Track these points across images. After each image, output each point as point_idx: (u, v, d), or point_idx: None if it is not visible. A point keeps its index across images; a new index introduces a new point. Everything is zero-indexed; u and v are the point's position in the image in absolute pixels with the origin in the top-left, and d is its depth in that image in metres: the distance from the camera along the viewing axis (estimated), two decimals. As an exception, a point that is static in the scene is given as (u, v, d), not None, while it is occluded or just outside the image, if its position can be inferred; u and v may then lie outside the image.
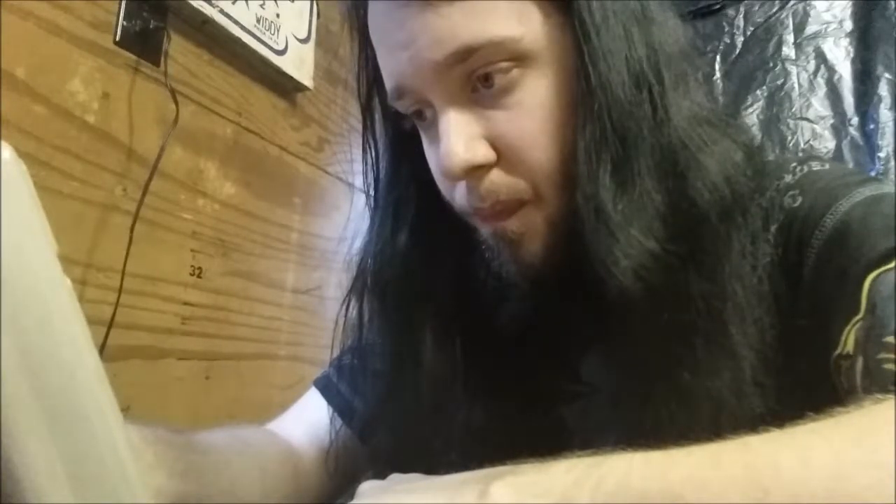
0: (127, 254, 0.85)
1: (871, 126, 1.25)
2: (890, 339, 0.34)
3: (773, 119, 1.35)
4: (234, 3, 1.03)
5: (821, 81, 1.32)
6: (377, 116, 0.52)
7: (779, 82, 1.36)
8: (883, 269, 0.36)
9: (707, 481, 0.26)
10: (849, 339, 0.36)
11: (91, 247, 0.82)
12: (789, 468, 0.25)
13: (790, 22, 1.38)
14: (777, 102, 1.35)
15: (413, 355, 0.51)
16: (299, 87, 1.20)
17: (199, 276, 0.98)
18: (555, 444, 0.31)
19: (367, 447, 0.57)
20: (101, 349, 0.78)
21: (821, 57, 1.33)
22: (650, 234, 0.39)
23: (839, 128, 1.29)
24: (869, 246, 0.37)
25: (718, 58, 1.44)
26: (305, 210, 1.23)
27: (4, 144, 0.25)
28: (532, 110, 0.42)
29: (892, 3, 1.26)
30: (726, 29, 1.44)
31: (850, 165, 1.22)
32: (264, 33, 1.09)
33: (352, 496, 0.34)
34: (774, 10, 1.40)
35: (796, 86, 1.34)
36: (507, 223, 0.44)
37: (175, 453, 0.44)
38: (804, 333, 0.40)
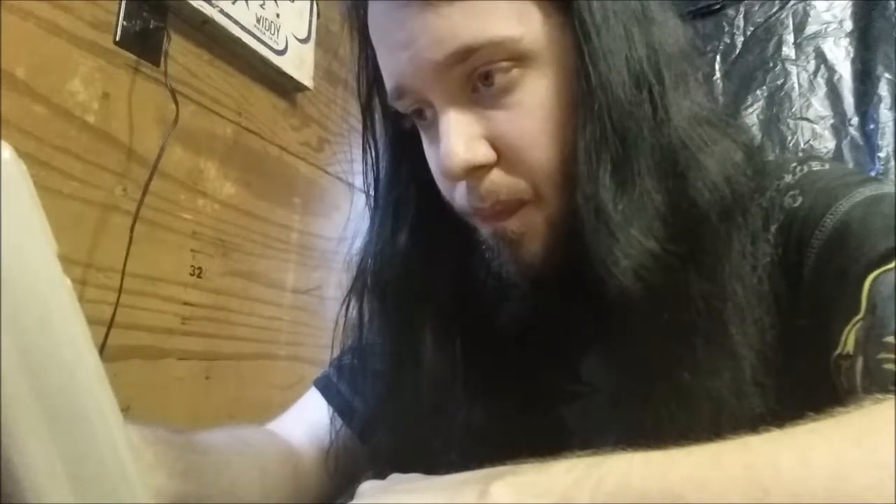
0: (127, 254, 0.85)
1: (871, 126, 1.25)
2: (890, 339, 0.34)
3: (773, 119, 1.35)
4: (234, 3, 1.03)
5: (821, 81, 1.32)
6: (377, 116, 0.52)
7: (779, 82, 1.36)
8: (883, 269, 0.36)
9: (707, 481, 0.26)
10: (849, 339, 0.36)
11: (91, 247, 0.82)
12: (789, 468, 0.25)
13: (790, 22, 1.38)
14: (777, 102, 1.35)
15: (413, 355, 0.51)
16: (299, 87, 1.20)
17: (199, 276, 0.98)
18: (555, 444, 0.31)
19: (367, 447, 0.57)
20: (101, 349, 0.78)
21: (821, 57, 1.33)
22: (650, 234, 0.39)
23: (839, 128, 1.29)
24: (869, 246, 0.37)
25: (718, 58, 1.44)
26: (305, 210, 1.23)
27: (4, 144, 0.25)
28: (532, 110, 0.42)
29: (892, 3, 1.26)
30: (726, 29, 1.44)
31: (850, 165, 1.22)
32: (264, 33, 1.09)
33: (352, 496, 0.34)
34: (774, 10, 1.40)
35: (796, 86, 1.34)
36: (507, 223, 0.44)
37: (175, 453, 0.44)
38: (804, 333, 0.40)
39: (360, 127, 0.53)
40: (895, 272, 0.36)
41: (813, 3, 1.36)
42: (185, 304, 0.95)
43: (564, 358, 0.50)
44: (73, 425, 0.26)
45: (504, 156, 0.43)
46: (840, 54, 1.31)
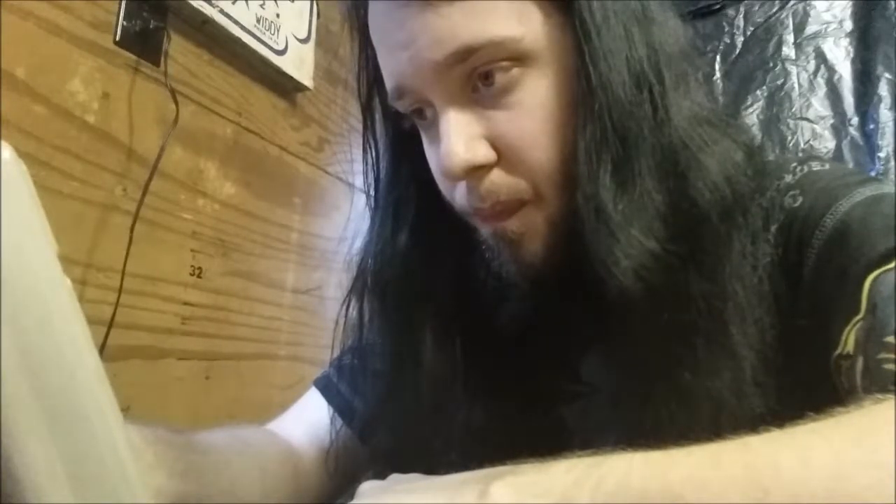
0: (127, 254, 0.85)
1: (871, 126, 1.25)
2: (890, 339, 0.34)
3: (773, 119, 1.35)
4: (234, 3, 1.03)
5: (821, 81, 1.32)
6: (377, 116, 0.52)
7: (779, 82, 1.36)
8: (883, 269, 0.36)
9: (707, 481, 0.26)
10: (849, 339, 0.36)
11: (91, 247, 0.82)
12: (789, 468, 0.25)
13: (790, 22, 1.38)
14: (777, 102, 1.35)
15: (413, 355, 0.51)
16: (299, 87, 1.20)
17: (199, 276, 0.98)
18: (555, 444, 0.31)
19: (367, 447, 0.57)
20: (101, 349, 0.78)
21: (821, 57, 1.33)
22: (650, 234, 0.39)
23: (839, 128, 1.29)
24: (869, 246, 0.37)
25: (718, 58, 1.44)
26: (305, 210, 1.23)
27: (4, 144, 0.25)
28: (532, 110, 0.42)
29: (892, 3, 1.26)
30: (726, 29, 1.44)
31: (850, 165, 1.22)
32: (264, 33, 1.09)
33: (352, 496, 0.34)
34: (774, 10, 1.40)
35: (796, 86, 1.34)
36: (507, 223, 0.44)
37: (175, 453, 0.44)
38: (804, 333, 0.40)
39: (360, 127, 0.53)
40: (895, 272, 0.36)
41: (813, 3, 1.36)
42: (185, 304, 0.95)
43: (564, 358, 0.50)
44: (73, 425, 0.26)
45: (504, 156, 0.43)
46: (840, 54, 1.31)
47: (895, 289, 0.35)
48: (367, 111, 0.53)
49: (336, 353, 0.61)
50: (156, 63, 0.92)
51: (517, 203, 0.43)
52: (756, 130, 1.33)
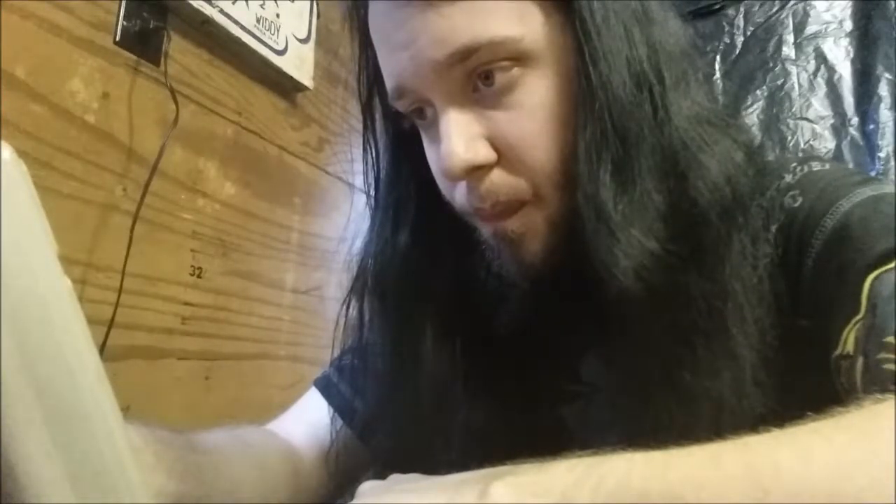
0: (127, 254, 0.85)
1: (871, 126, 1.25)
2: (890, 339, 0.34)
3: (773, 119, 1.35)
4: (234, 3, 1.03)
5: (821, 81, 1.32)
6: (377, 116, 0.52)
7: (779, 82, 1.36)
8: (883, 269, 0.36)
9: (707, 481, 0.26)
10: (849, 340, 0.36)
11: (91, 247, 0.82)
12: (789, 468, 0.25)
13: (790, 22, 1.38)
14: (777, 102, 1.35)
15: (413, 355, 0.51)
16: (299, 87, 1.20)
17: (199, 276, 0.98)
18: (555, 444, 0.31)
19: (367, 447, 0.57)
20: (101, 349, 0.78)
21: (821, 57, 1.33)
22: (651, 235, 0.39)
23: (839, 128, 1.29)
24: (869, 246, 0.37)
25: (718, 58, 1.44)
26: (305, 210, 1.23)
27: (4, 144, 0.25)
28: (533, 110, 0.42)
29: (893, 3, 1.26)
30: (726, 29, 1.44)
31: (850, 165, 1.22)
32: (264, 33, 1.09)
33: (352, 496, 0.34)
34: (774, 10, 1.40)
35: (796, 86, 1.34)
36: (507, 223, 0.44)
37: (175, 453, 0.44)
38: (804, 333, 0.40)
39: (360, 127, 0.53)
40: (895, 272, 0.36)
41: (813, 3, 1.36)
42: (185, 304, 0.95)
43: (564, 358, 0.50)
44: (73, 425, 0.26)
45: (504, 156, 0.43)
46: (840, 54, 1.31)
47: (895, 289, 0.35)
48: (367, 111, 0.53)
49: (336, 353, 0.61)
50: (156, 63, 0.92)
51: (517, 203, 0.43)
52: (756, 130, 1.33)
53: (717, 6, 1.45)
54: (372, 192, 0.54)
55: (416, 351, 0.51)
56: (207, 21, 0.98)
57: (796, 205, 0.43)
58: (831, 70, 1.32)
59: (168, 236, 0.93)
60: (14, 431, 0.24)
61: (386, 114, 0.52)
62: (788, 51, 1.37)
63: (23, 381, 0.25)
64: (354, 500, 0.34)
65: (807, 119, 1.32)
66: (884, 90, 1.24)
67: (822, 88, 1.32)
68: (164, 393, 0.91)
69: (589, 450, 0.29)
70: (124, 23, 0.88)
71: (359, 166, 0.55)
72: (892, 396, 0.28)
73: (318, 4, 1.24)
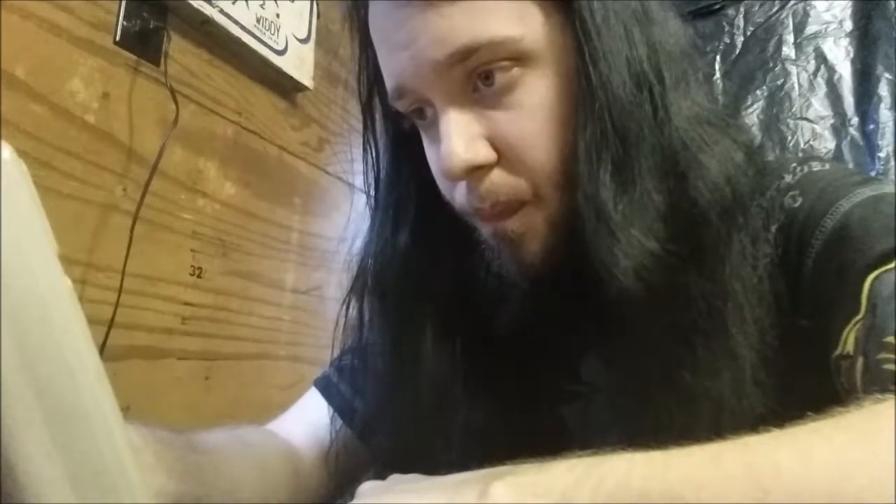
0: (127, 254, 0.85)
1: (871, 126, 1.25)
2: (890, 339, 0.34)
3: (773, 119, 1.35)
4: (234, 3, 1.03)
5: (821, 81, 1.32)
6: (377, 116, 0.52)
7: (779, 82, 1.36)
8: (883, 269, 0.36)
9: (707, 481, 0.26)
10: (849, 340, 0.36)
11: (91, 247, 0.82)
12: (789, 468, 0.25)
13: (790, 22, 1.38)
14: (777, 102, 1.35)
15: (413, 355, 0.51)
16: (299, 87, 1.20)
17: (199, 276, 0.98)
18: (555, 444, 0.31)
19: (367, 447, 0.57)
20: (101, 349, 0.78)
21: (821, 57, 1.33)
22: (651, 235, 0.39)
23: (839, 128, 1.29)
24: (869, 246, 0.37)
25: (718, 58, 1.44)
26: (305, 210, 1.23)
27: (4, 144, 0.25)
28: (533, 110, 0.42)
29: (892, 3, 1.26)
30: (726, 29, 1.44)
31: (850, 165, 1.22)
32: (264, 33, 1.09)
33: (352, 496, 0.34)
34: (774, 10, 1.40)
35: (796, 86, 1.34)
36: (507, 223, 0.44)
37: (175, 453, 0.44)
38: (804, 333, 0.40)
39: (360, 127, 0.53)
40: (895, 272, 0.36)
41: (813, 3, 1.36)
42: (185, 304, 0.95)
43: (565, 358, 0.50)
44: (73, 425, 0.26)
45: (504, 156, 0.43)
46: (840, 54, 1.31)
47: (895, 289, 0.35)
48: (367, 111, 0.53)
49: (336, 353, 0.61)
50: (156, 63, 0.92)
51: (517, 203, 0.43)
52: (756, 130, 1.33)
53: (717, 6, 1.45)
54: (372, 192, 0.54)
55: (416, 351, 0.51)
56: (207, 21, 0.98)
57: (796, 205, 0.43)
58: (831, 70, 1.32)
59: (168, 236, 0.93)
60: (14, 431, 0.24)
61: (386, 114, 0.52)
62: (788, 51, 1.37)
63: (23, 381, 0.25)
64: (354, 500, 0.34)
65: (807, 119, 1.32)
66: (884, 90, 1.24)
67: (822, 88, 1.32)
68: (164, 393, 0.91)
69: (589, 450, 0.29)
70: (124, 23, 0.88)
71: (359, 166, 0.55)
72: (892, 396, 0.28)
73: (318, 4, 1.24)
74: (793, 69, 1.35)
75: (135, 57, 0.90)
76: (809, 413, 0.28)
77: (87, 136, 0.83)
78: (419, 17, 0.41)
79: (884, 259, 0.36)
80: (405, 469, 0.35)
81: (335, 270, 0.58)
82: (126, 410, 0.28)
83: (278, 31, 1.13)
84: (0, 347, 0.24)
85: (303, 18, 1.20)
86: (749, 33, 1.42)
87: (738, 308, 0.40)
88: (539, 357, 0.50)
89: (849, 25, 1.32)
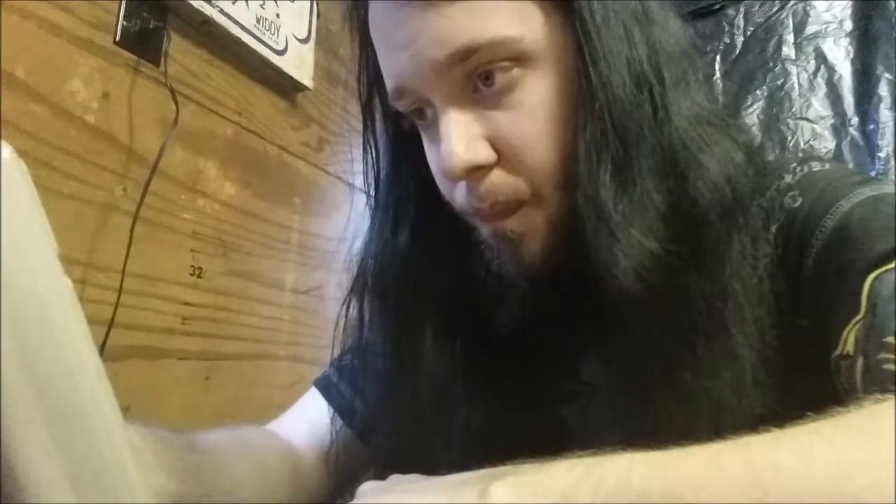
0: (127, 254, 0.85)
1: (871, 126, 1.25)
2: (890, 339, 0.34)
3: (773, 119, 1.35)
4: (234, 3, 1.03)
5: (821, 81, 1.32)
6: (377, 116, 0.52)
7: (779, 82, 1.36)
8: (883, 269, 0.36)
9: (707, 481, 0.26)
10: (849, 340, 0.36)
11: (91, 247, 0.82)
12: (789, 468, 0.25)
13: (790, 22, 1.38)
14: (777, 102, 1.35)
15: (413, 355, 0.51)
16: (299, 87, 1.20)
17: (199, 276, 0.98)
18: (555, 444, 0.31)
19: (367, 447, 0.57)
20: (101, 349, 0.78)
21: (821, 57, 1.33)
22: (651, 235, 0.39)
23: (839, 128, 1.29)
24: (869, 246, 0.37)
25: (718, 58, 1.44)
26: (305, 210, 1.23)
27: (4, 144, 0.25)
28: (533, 111, 0.42)
29: (892, 3, 1.26)
30: (726, 29, 1.44)
31: (850, 165, 1.22)
32: (264, 33, 1.09)
33: (352, 496, 0.34)
34: (774, 10, 1.40)
35: (796, 86, 1.34)
36: (506, 223, 0.44)
37: (175, 453, 0.44)
38: (804, 333, 0.40)
39: (360, 127, 0.53)
40: (895, 272, 0.36)
41: (813, 3, 1.36)
42: (185, 304, 0.95)
43: (565, 358, 0.50)
44: (73, 425, 0.26)
45: (504, 156, 0.43)
46: (840, 54, 1.31)
47: (895, 289, 0.35)
48: (367, 111, 0.53)
49: (336, 353, 0.61)
50: (156, 63, 0.92)
51: (516, 203, 0.43)
52: (756, 130, 1.33)
53: (717, 6, 1.45)
54: (372, 192, 0.54)
55: (416, 351, 0.51)
56: (207, 21, 0.98)
57: (796, 205, 0.43)
58: (831, 70, 1.32)
59: (168, 236, 0.93)
60: (14, 431, 0.24)
61: (386, 114, 0.52)
62: (788, 51, 1.37)
63: (23, 381, 0.25)
64: (354, 500, 0.34)
65: (807, 119, 1.32)
66: (884, 90, 1.24)
67: (822, 88, 1.32)
68: (164, 393, 0.91)
69: (589, 450, 0.29)
70: (124, 23, 0.88)
71: (359, 166, 0.55)
72: (892, 396, 0.28)
73: (318, 4, 1.24)
74: (793, 69, 1.35)
75: (135, 57, 0.90)
76: (809, 413, 0.28)
77: (87, 136, 0.83)
78: (419, 17, 0.41)
79: (884, 259, 0.36)
80: (405, 469, 0.35)
81: (335, 270, 0.58)
82: (126, 410, 0.28)
83: (278, 31, 1.13)
84: (0, 347, 0.24)
85: (303, 18, 1.20)
86: (749, 33, 1.42)
87: (738, 308, 0.40)
88: (539, 357, 0.50)
89: (849, 25, 1.32)
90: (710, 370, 0.39)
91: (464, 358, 0.51)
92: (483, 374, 0.51)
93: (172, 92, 0.92)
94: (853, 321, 0.36)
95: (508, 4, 0.41)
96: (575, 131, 0.41)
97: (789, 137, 1.33)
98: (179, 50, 0.97)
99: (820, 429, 0.27)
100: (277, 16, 1.13)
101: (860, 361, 0.35)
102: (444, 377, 0.50)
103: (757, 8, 1.42)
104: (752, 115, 1.36)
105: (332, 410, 0.59)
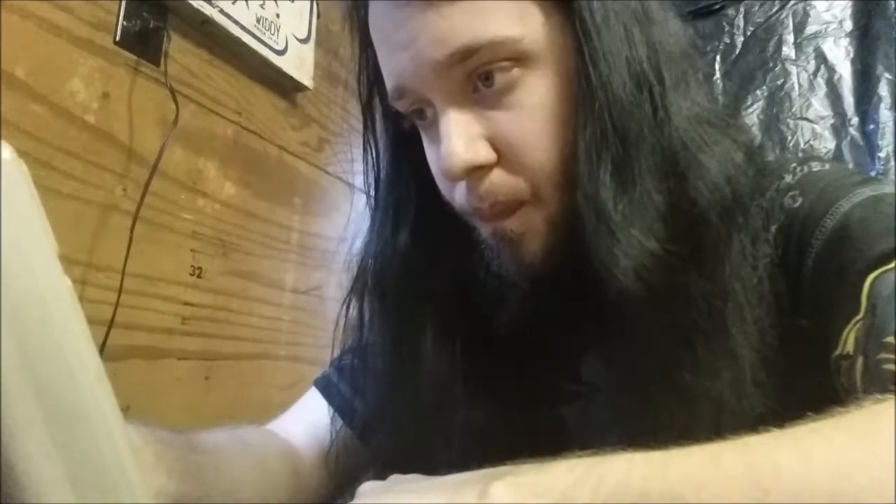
0: (127, 254, 0.85)
1: (871, 126, 1.25)
2: (890, 339, 0.34)
3: (773, 119, 1.35)
4: (234, 3, 1.03)
5: (821, 81, 1.32)
6: (377, 116, 0.52)
7: (779, 82, 1.36)
8: (883, 269, 0.36)
9: (707, 481, 0.26)
10: (849, 340, 0.36)
11: (91, 247, 0.82)
12: (789, 468, 0.25)
13: (790, 22, 1.38)
14: (777, 102, 1.35)
15: (413, 355, 0.51)
16: (299, 87, 1.20)
17: (199, 276, 0.98)
18: (555, 444, 0.31)
19: (367, 447, 0.57)
20: (101, 349, 0.78)
21: (821, 57, 1.33)
22: (651, 235, 0.39)
23: (839, 128, 1.29)
24: (869, 246, 0.37)
25: (718, 58, 1.44)
26: (305, 210, 1.23)
27: (4, 144, 0.25)
28: (533, 111, 0.42)
29: (892, 3, 1.26)
30: (726, 29, 1.44)
31: (850, 165, 1.22)
32: (264, 33, 1.09)
33: (352, 496, 0.34)
34: (774, 10, 1.40)
35: (796, 86, 1.34)
36: (506, 223, 0.44)
37: (175, 453, 0.44)
38: (804, 333, 0.40)
39: (360, 127, 0.53)
40: (895, 272, 0.36)
41: (813, 3, 1.36)
42: (185, 304, 0.95)
43: (564, 358, 0.50)
44: (73, 425, 0.26)
45: (504, 156, 0.43)
46: (840, 54, 1.31)
47: (895, 289, 0.35)
48: (367, 111, 0.53)
49: (336, 353, 0.61)
50: (156, 63, 0.92)
51: (516, 203, 0.43)
52: (756, 130, 1.33)
53: (717, 6, 1.45)
54: (372, 192, 0.54)
55: (416, 351, 0.51)
56: (207, 21, 0.98)
57: (796, 205, 0.43)
58: (831, 70, 1.32)
59: (168, 236, 0.93)
60: (14, 431, 0.24)
61: (386, 114, 0.52)
62: (788, 51, 1.37)
63: (23, 381, 0.24)
64: (354, 500, 0.34)
65: (807, 119, 1.32)
66: (884, 90, 1.24)
67: (822, 88, 1.32)
68: (164, 393, 0.91)
69: (589, 450, 0.29)
70: (124, 23, 0.88)
71: (359, 166, 0.55)
72: (892, 396, 0.28)
73: (318, 4, 1.24)
74: (793, 69, 1.35)
75: (135, 57, 0.90)
76: (809, 413, 0.28)
77: (87, 136, 0.83)
78: (419, 17, 0.41)
79: (884, 259, 0.36)
80: (405, 469, 0.35)
81: (335, 270, 0.58)
82: (126, 410, 0.28)
83: (278, 31, 1.13)
84: (0, 347, 0.24)
85: (303, 18, 1.20)
86: (749, 33, 1.42)
87: (738, 308, 0.40)
88: (539, 357, 0.50)
89: (849, 25, 1.32)
90: (710, 370, 0.39)
91: (464, 358, 0.51)
92: (483, 374, 0.51)
93: (172, 92, 0.92)
94: (853, 321, 0.36)
95: (508, 4, 0.41)
96: (575, 131, 0.41)
97: (789, 137, 1.33)
98: (179, 50, 0.97)
99: (820, 429, 0.27)
100: (277, 16, 1.13)
101: (860, 361, 0.35)
102: (444, 377, 0.50)
103: (757, 8, 1.42)
104: (752, 115, 1.36)
105: (332, 410, 0.59)
